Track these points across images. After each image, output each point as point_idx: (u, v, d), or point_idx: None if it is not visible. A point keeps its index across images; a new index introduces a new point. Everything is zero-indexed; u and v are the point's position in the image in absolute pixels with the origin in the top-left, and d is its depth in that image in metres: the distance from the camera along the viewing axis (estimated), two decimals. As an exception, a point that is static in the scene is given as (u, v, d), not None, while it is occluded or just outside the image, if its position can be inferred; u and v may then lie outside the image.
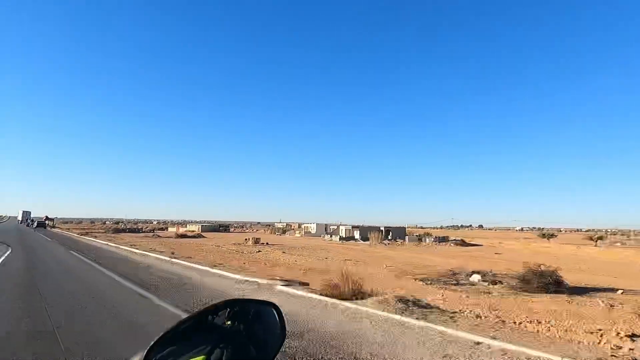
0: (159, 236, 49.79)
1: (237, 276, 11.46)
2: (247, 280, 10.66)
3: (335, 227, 61.39)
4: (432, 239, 49.25)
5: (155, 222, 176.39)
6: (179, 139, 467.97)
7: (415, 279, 17.00)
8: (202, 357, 0.80)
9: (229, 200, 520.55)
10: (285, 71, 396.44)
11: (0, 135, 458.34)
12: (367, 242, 48.72)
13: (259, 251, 29.86)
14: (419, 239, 50.35)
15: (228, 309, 0.91)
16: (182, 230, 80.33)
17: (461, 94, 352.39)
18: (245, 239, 41.84)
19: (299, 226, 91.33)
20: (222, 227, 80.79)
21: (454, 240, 50.17)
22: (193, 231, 77.16)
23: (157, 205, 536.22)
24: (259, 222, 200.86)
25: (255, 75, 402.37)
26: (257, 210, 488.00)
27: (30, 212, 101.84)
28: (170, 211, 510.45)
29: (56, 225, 64.22)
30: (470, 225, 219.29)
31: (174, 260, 16.04)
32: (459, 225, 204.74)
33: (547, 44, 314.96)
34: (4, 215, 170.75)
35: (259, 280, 10.51)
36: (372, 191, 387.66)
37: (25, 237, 29.78)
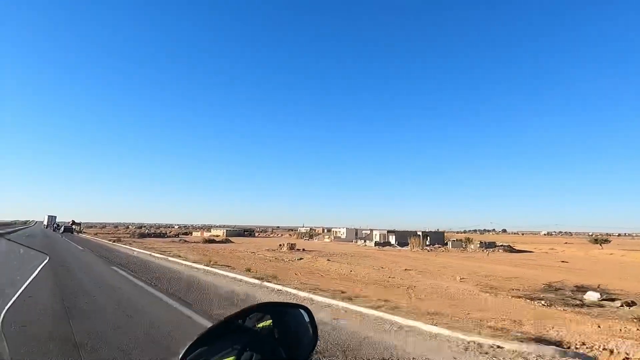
0: (185, 241, 47.74)
1: (323, 299, 8.44)
2: (346, 309, 7.56)
3: (368, 231, 58.04)
4: (478, 245, 45.26)
5: (176, 227, 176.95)
6: (198, 145, 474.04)
7: (517, 298, 13.64)
8: (232, 358, 0.82)
9: (247, 205, 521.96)
10: (296, 72, 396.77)
11: (25, 142, 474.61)
12: (405, 248, 45.23)
13: (301, 259, 26.94)
14: (464, 244, 46.43)
15: (259, 312, 0.91)
16: (206, 234, 78.66)
17: (459, 92, 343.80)
18: (280, 245, 39.02)
19: (324, 231, 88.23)
20: (247, 232, 78.56)
21: (502, 246, 46.03)
22: (218, 236, 75.31)
23: (177, 209, 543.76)
24: (278, 227, 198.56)
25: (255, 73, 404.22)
26: (276, 215, 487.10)
27: (55, 217, 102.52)
28: (189, 216, 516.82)
29: (82, 230, 61.88)
30: (494, 229, 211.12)
31: (229, 274, 13.22)
32: (482, 230, 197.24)
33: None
34: (30, 220, 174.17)
35: (365, 311, 7.35)
36: (380, 195, 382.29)
37: (53, 245, 26.15)
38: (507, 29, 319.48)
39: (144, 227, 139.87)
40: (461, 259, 32.79)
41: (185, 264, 16.45)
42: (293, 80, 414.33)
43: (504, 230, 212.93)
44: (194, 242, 45.67)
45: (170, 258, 18.80)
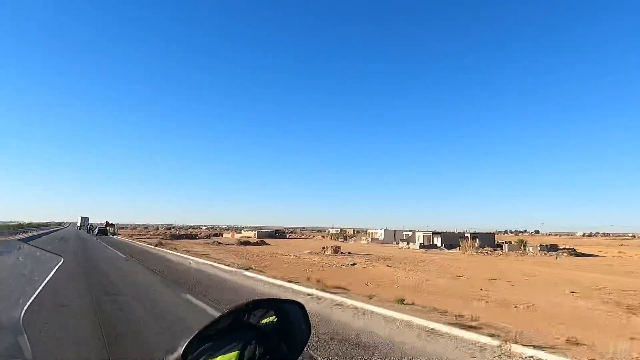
0: (219, 243, 45.82)
1: (476, 337, 5.38)
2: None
3: (408, 233, 54.39)
4: (538, 248, 40.86)
5: (203, 228, 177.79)
6: (220, 147, 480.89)
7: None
8: (235, 352, 0.83)
9: (273, 206, 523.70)
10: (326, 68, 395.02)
11: (60, 145, 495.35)
12: (454, 251, 41.43)
13: (354, 264, 23.95)
14: (521, 247, 42.13)
15: (258, 308, 0.94)
16: (237, 236, 77.02)
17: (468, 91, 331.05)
18: (323, 248, 36.13)
19: (355, 232, 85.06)
20: (279, 233, 76.26)
21: (564, 249, 41.42)
22: (249, 237, 73.47)
23: (203, 210, 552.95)
24: (304, 227, 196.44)
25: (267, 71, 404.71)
26: (302, 216, 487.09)
27: (88, 218, 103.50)
28: (214, 217, 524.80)
29: (117, 232, 56.82)
30: (525, 230, 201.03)
31: (301, 289, 10.42)
32: (514, 230, 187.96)
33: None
34: (64, 221, 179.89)
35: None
36: (398, 196, 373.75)
37: (90, 250, 23.05)
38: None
39: (173, 228, 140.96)
40: (531, 264, 28.88)
41: (273, 282, 12.23)
42: (309, 83, 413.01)
43: (537, 232, 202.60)
44: (228, 244, 43.60)
45: (246, 273, 14.56)
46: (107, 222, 57.00)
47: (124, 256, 21.31)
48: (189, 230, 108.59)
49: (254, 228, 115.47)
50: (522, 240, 47.43)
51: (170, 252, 25.15)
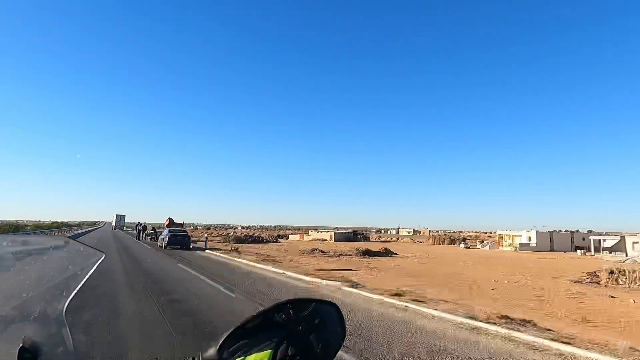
0: (321, 251, 31.76)
1: None
2: None
3: (600, 237, 38.19)
4: None
5: (239, 227, 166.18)
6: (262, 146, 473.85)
7: None
8: (269, 351, 0.84)
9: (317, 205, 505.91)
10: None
11: (93, 143, 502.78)
12: None
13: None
14: None
15: (292, 308, 0.92)
16: (307, 238, 63.00)
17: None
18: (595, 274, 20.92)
19: (488, 236, 69.23)
20: (360, 235, 61.45)
21: None
22: (324, 239, 59.38)
23: (239, 209, 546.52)
24: (366, 227, 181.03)
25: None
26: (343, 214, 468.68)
27: (124, 216, 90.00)
28: (249, 215, 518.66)
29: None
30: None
31: None
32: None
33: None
34: (99, 220, 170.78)
35: None
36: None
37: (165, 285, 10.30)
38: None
39: (211, 227, 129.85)
40: None
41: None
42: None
43: (590, 231, 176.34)
44: (334, 253, 29.31)
45: None
46: (169, 219, 33.64)
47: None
48: (229, 230, 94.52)
49: (330, 228, 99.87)
50: None
51: (302, 277, 13.09)
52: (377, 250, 31.08)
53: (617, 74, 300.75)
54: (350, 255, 28.97)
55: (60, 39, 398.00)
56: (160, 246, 22.80)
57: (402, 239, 69.75)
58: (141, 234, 33.70)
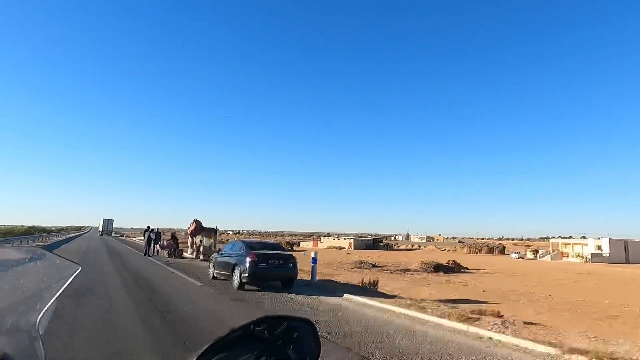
0: (379, 267, 25.38)
1: None
2: None
3: None
4: None
5: (230, 233, 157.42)
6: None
7: None
8: None
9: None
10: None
11: (85, 145, 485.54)
12: None
13: None
14: None
15: (269, 324, 0.94)
16: (322, 245, 56.32)
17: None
18: None
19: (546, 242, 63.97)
20: (382, 244, 54.94)
21: None
22: (343, 247, 52.94)
23: (220, 213, 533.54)
24: (386, 234, 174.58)
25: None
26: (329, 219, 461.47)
27: (112, 220, 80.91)
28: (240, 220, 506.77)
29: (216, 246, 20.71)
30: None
31: None
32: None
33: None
34: (85, 225, 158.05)
35: None
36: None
37: None
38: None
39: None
40: None
41: None
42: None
43: None
44: (384, 269, 23.11)
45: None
46: (195, 221, 20.98)
47: None
48: (221, 236, 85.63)
49: (349, 235, 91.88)
50: None
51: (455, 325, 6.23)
52: (446, 264, 24.81)
53: None
54: (417, 271, 22.77)
55: (47, 36, 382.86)
56: (213, 278, 11.48)
57: (424, 247, 63.71)
58: (152, 247, 21.28)
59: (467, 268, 25.51)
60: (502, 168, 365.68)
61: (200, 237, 20.33)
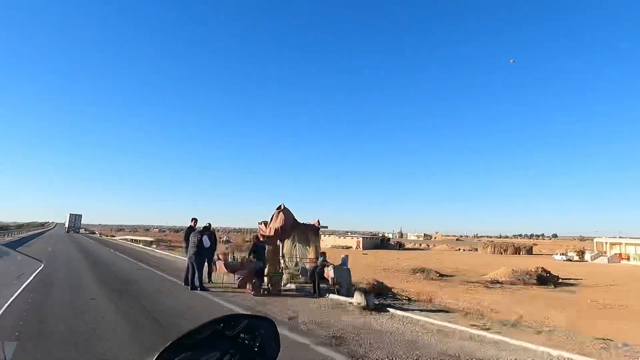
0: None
1: None
2: None
3: None
4: None
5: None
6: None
7: None
8: None
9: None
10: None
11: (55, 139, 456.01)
12: None
13: None
14: None
15: (232, 322, 0.95)
16: (325, 244, 49.29)
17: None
18: None
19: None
20: (396, 243, 48.32)
21: None
22: (349, 247, 46.15)
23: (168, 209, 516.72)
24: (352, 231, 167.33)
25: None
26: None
27: (80, 216, 72.00)
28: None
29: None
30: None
31: None
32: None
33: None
34: (49, 222, 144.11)
35: None
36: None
37: None
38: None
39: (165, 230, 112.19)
40: None
41: None
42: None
43: None
44: (456, 279, 16.42)
45: None
46: (284, 210, 10.15)
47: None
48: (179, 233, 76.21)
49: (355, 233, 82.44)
50: None
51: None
52: (540, 273, 18.17)
53: None
54: (514, 282, 16.22)
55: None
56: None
57: (433, 246, 57.75)
58: (203, 266, 9.41)
59: (557, 277, 19.09)
60: (488, 166, 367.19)
61: (290, 241, 10.63)
